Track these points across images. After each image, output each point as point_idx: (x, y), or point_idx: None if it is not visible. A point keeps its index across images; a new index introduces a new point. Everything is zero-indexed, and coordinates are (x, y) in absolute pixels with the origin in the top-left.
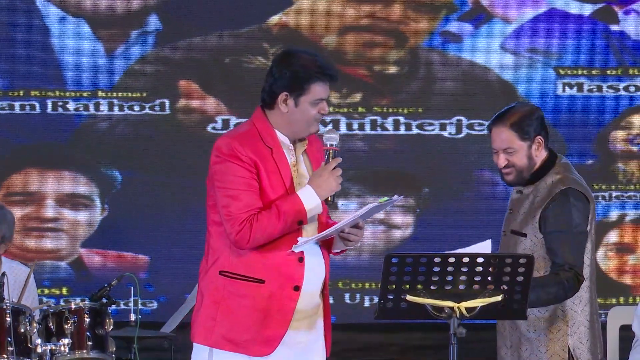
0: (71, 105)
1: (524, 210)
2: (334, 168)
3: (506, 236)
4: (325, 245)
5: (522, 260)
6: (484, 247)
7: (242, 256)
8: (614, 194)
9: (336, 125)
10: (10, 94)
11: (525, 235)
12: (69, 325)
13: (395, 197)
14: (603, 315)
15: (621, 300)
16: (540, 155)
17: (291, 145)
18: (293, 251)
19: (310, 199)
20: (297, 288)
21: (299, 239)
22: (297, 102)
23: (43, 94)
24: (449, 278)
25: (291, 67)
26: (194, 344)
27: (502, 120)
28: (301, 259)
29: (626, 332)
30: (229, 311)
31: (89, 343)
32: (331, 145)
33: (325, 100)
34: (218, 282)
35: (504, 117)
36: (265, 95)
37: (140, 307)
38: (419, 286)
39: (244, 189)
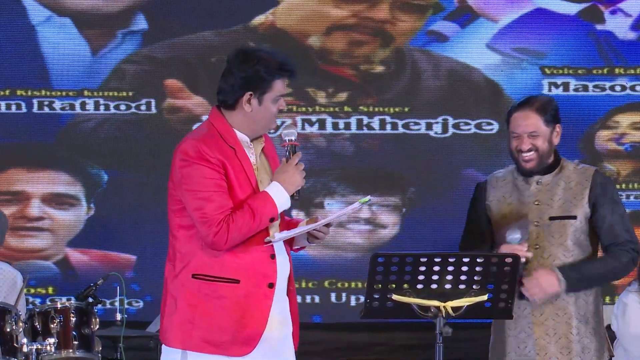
0: (57, 104)
1: (558, 196)
2: (297, 163)
3: (539, 226)
4: (288, 241)
5: (507, 260)
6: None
7: (215, 257)
8: None
9: (322, 124)
10: None
11: (575, 217)
12: (55, 324)
13: (369, 197)
14: None
15: (607, 299)
16: (555, 144)
17: (251, 144)
18: (270, 243)
19: (279, 195)
20: (272, 285)
21: (275, 234)
22: (260, 100)
23: (29, 93)
24: (435, 277)
25: (253, 67)
26: (163, 347)
27: (528, 105)
28: (273, 256)
29: (611, 332)
30: (206, 313)
31: (75, 342)
32: (290, 140)
33: (283, 97)
34: (192, 286)
35: (529, 102)
36: (227, 96)
37: (126, 306)
38: (405, 285)
39: (214, 190)
